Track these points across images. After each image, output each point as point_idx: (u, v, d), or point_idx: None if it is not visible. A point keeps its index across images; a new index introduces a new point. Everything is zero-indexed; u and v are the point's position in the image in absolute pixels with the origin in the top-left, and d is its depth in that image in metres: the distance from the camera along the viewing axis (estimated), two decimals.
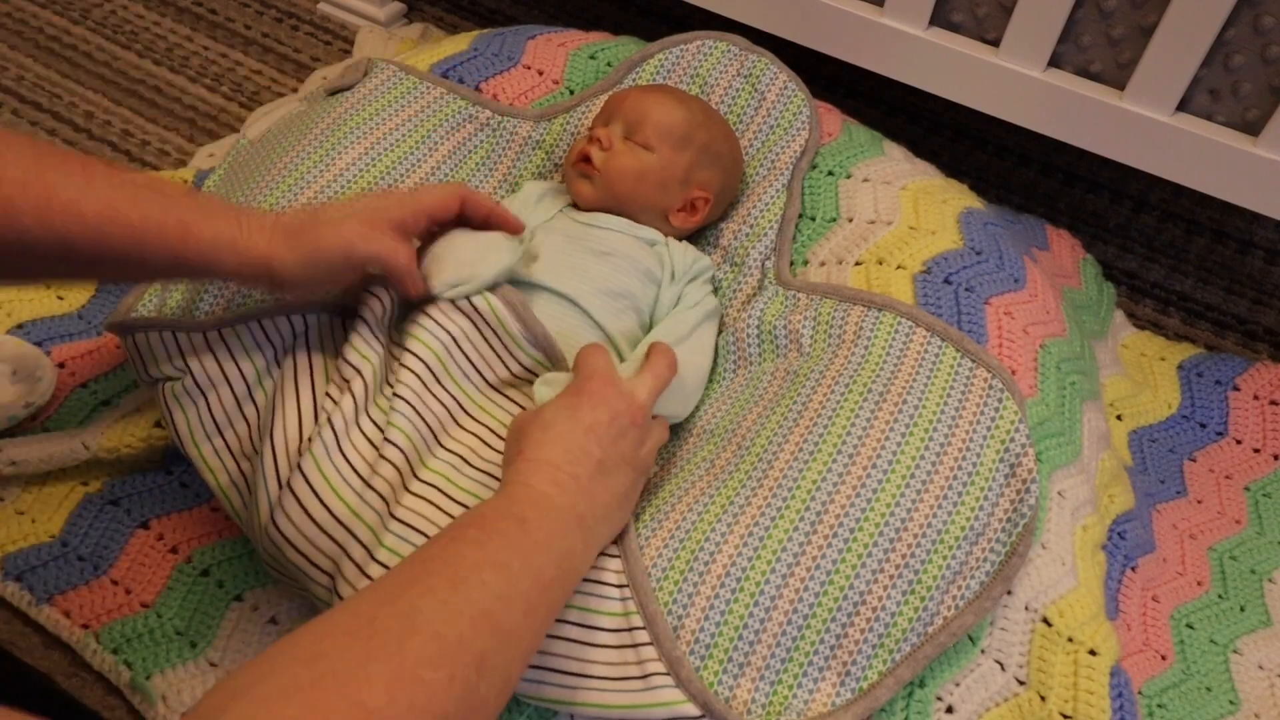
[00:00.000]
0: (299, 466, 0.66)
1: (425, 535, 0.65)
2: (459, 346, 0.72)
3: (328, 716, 0.41)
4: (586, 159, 0.82)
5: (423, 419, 0.69)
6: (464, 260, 0.71)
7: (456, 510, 0.66)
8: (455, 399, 0.71)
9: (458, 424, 0.70)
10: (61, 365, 0.87)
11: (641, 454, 0.66)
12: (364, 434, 0.68)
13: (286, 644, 0.45)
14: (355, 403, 0.68)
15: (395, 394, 0.69)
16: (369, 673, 0.44)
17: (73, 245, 0.58)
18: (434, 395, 0.70)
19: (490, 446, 0.70)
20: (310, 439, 0.66)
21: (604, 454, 0.62)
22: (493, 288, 0.72)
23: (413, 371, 0.70)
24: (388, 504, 0.66)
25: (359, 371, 0.69)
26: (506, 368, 0.74)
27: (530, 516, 0.57)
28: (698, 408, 0.77)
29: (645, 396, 0.66)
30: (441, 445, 0.69)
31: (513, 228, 0.74)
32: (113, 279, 0.68)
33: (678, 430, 0.76)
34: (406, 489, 0.66)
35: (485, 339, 0.73)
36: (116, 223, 0.59)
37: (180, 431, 0.73)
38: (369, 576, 0.65)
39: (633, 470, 0.65)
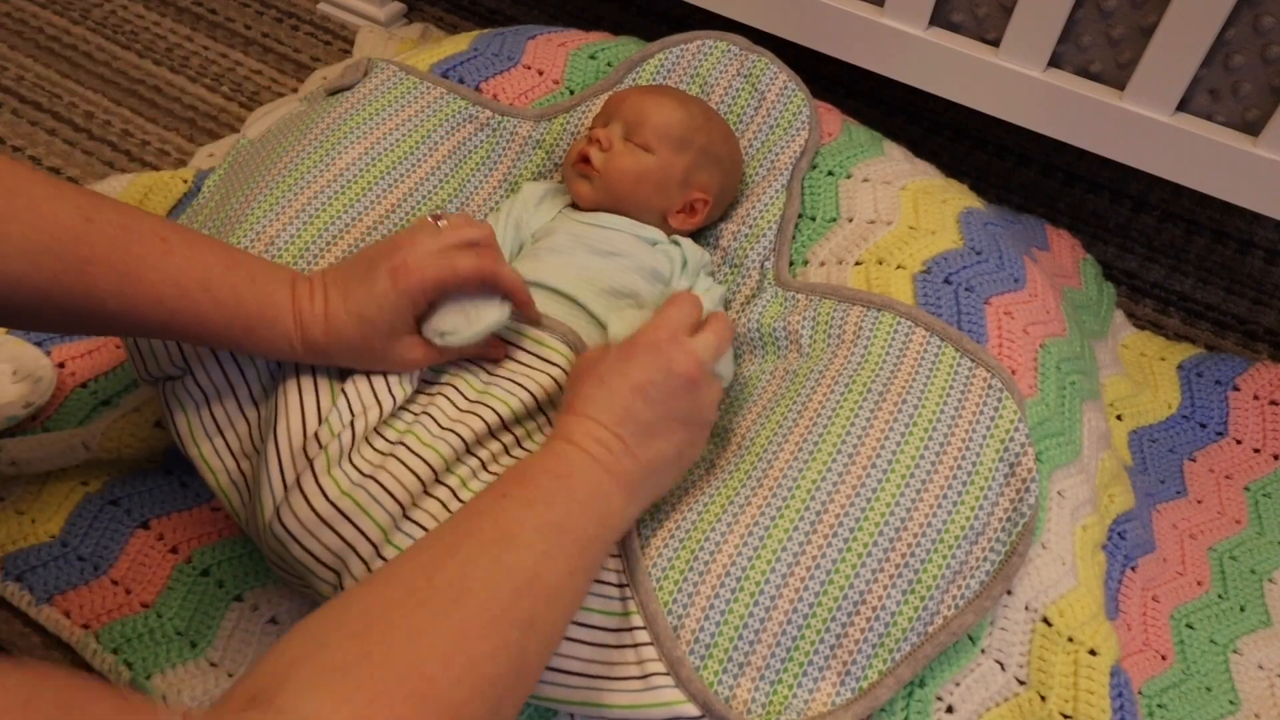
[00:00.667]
0: (310, 465, 0.66)
1: None
2: (498, 375, 0.72)
3: (385, 687, 0.42)
4: (586, 159, 0.82)
5: (459, 435, 0.68)
6: (459, 312, 0.69)
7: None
8: (497, 412, 0.70)
9: (493, 435, 0.70)
10: (61, 365, 0.87)
11: (699, 413, 0.64)
12: (384, 439, 0.68)
13: (334, 615, 0.46)
14: (382, 412, 0.68)
15: (426, 413, 0.69)
16: (420, 646, 0.45)
17: (145, 319, 0.60)
18: (473, 414, 0.70)
19: (510, 455, 0.70)
20: (324, 442, 0.66)
21: (654, 415, 0.61)
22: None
23: (447, 398, 0.70)
24: (403, 507, 0.66)
25: (392, 395, 0.69)
26: (546, 374, 0.73)
27: (574, 474, 0.57)
28: None
29: (707, 355, 0.64)
30: (472, 454, 0.69)
31: (523, 304, 0.72)
32: (184, 342, 0.71)
33: None
34: (427, 493, 0.67)
35: (518, 359, 0.73)
36: (186, 311, 0.61)
37: (180, 431, 0.73)
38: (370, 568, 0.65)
39: (686, 429, 0.63)
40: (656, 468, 0.62)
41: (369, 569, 0.65)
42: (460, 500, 0.66)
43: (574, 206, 0.85)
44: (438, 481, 0.67)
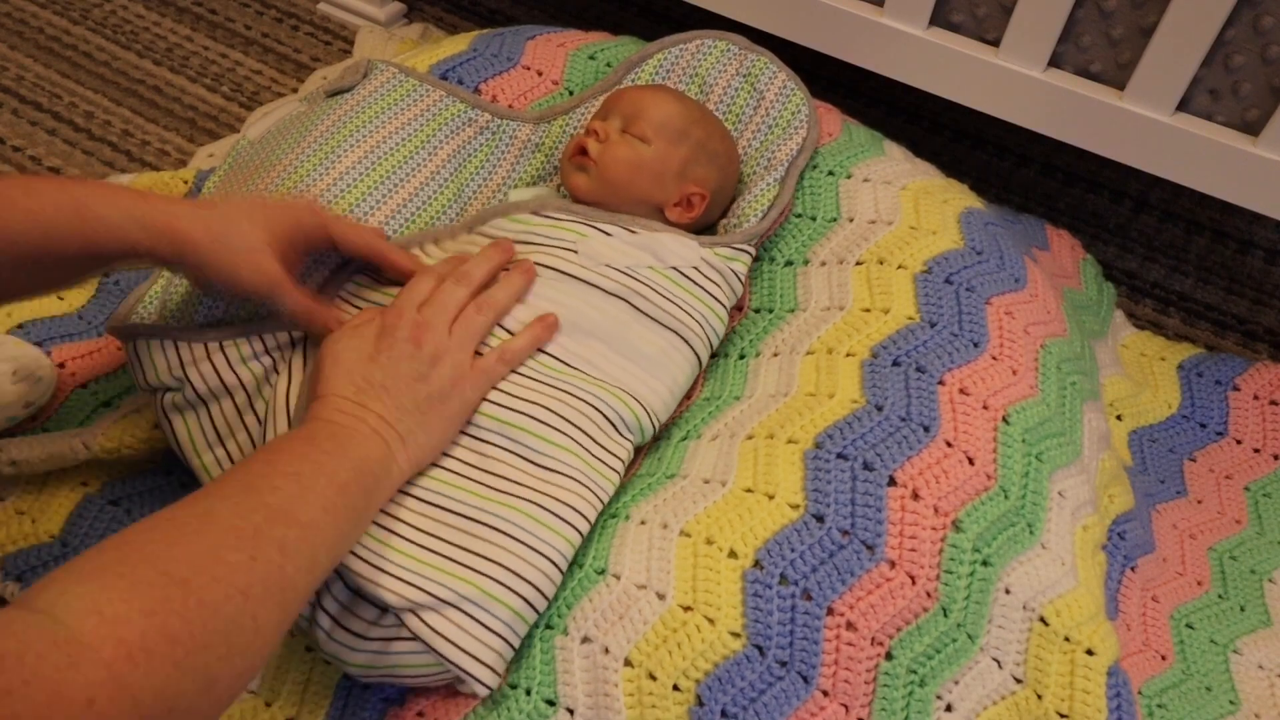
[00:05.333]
0: None
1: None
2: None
3: (138, 585, 0.45)
4: (583, 151, 0.82)
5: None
6: None
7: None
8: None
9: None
10: (61, 365, 0.87)
11: (433, 378, 0.67)
12: None
13: (92, 548, 0.48)
14: None
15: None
16: (173, 553, 0.48)
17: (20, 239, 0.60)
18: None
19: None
20: None
21: (386, 375, 0.65)
22: None
23: None
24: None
25: None
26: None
27: (318, 436, 0.61)
28: None
29: (437, 319, 0.69)
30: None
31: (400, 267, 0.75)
32: (32, 286, 0.68)
33: None
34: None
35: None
36: (14, 210, 0.60)
37: (181, 441, 0.73)
38: (353, 590, 0.65)
39: (427, 382, 0.66)
40: (405, 413, 0.65)
41: (347, 585, 0.65)
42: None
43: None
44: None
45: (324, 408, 0.63)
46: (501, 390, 0.70)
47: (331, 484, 0.57)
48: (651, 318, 0.77)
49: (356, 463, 0.60)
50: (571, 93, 0.94)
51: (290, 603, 0.52)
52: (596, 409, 0.72)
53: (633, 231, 0.79)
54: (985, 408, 0.72)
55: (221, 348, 0.72)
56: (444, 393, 0.67)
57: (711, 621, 0.64)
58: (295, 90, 1.22)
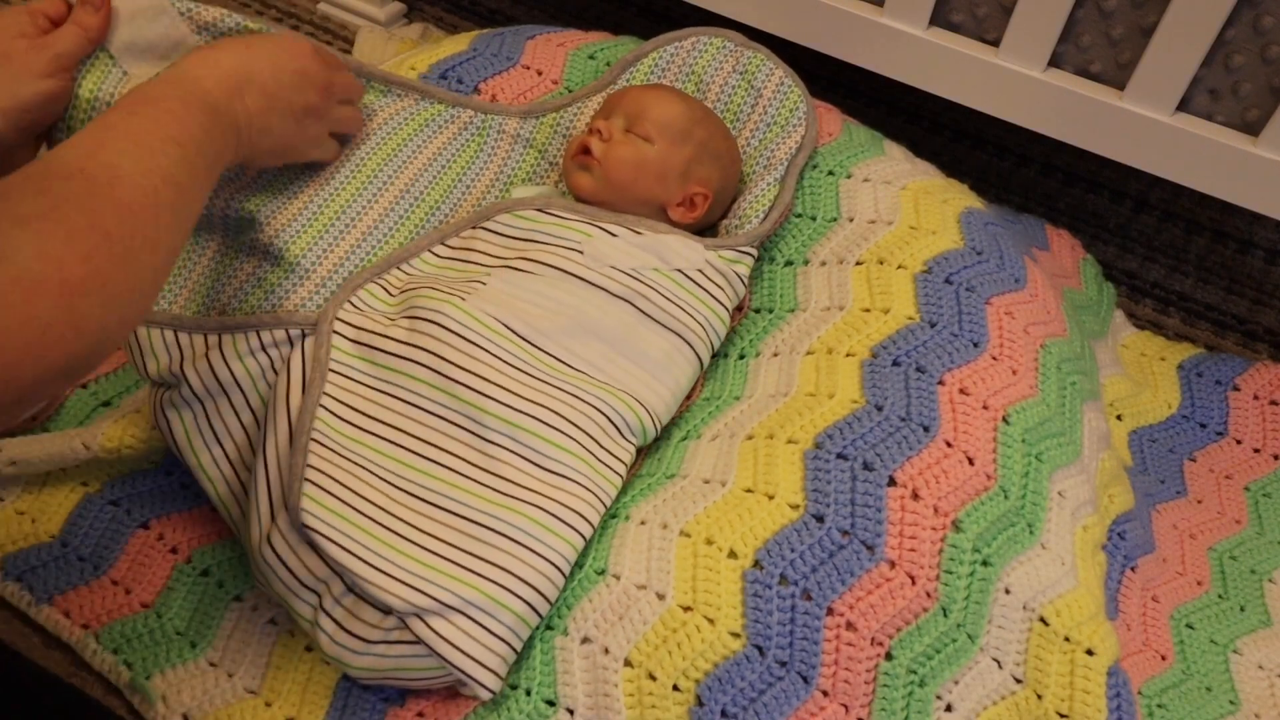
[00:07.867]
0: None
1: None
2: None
3: (75, 233, 0.50)
4: (586, 150, 0.82)
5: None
6: None
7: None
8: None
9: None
10: None
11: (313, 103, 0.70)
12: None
13: (13, 181, 0.52)
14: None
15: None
16: (95, 205, 0.52)
17: None
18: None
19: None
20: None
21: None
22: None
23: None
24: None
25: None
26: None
27: (189, 98, 0.62)
28: None
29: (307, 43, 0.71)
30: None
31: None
32: None
33: None
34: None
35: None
36: None
37: (179, 439, 0.73)
38: (356, 593, 0.65)
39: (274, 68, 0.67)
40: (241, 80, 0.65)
41: (350, 590, 0.65)
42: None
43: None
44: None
45: (194, 64, 0.64)
46: (507, 390, 0.70)
47: (201, 152, 0.60)
48: (656, 320, 0.77)
49: (210, 120, 0.62)
50: (570, 92, 0.94)
51: (163, 263, 0.57)
52: (600, 412, 0.72)
53: (638, 233, 0.79)
54: (985, 408, 0.72)
55: (220, 343, 0.72)
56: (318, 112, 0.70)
57: (711, 622, 0.64)
58: None
